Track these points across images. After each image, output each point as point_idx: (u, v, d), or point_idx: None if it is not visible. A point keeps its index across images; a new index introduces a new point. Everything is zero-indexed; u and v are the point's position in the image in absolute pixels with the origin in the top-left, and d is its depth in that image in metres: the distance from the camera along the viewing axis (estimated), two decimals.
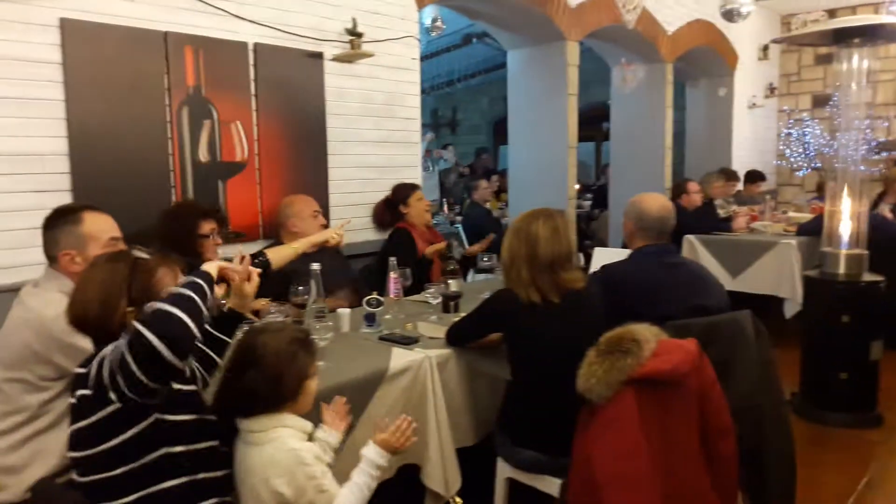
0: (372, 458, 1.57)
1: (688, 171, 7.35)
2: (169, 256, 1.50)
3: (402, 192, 3.65)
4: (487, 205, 5.88)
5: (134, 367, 1.24)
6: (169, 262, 1.48)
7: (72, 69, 2.58)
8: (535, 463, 2.08)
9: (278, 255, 2.42)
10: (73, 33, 2.58)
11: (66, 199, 2.56)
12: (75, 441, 1.38)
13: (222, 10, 3.05)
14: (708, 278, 2.55)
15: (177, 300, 1.31)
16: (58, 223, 1.83)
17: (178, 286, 1.40)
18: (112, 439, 1.33)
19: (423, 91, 4.30)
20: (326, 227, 3.05)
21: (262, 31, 3.21)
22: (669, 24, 6.09)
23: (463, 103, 11.89)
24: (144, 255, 1.51)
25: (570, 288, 2.09)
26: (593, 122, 9.65)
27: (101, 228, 1.85)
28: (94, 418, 1.33)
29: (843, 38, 3.42)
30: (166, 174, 2.90)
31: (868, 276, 3.47)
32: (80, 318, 1.40)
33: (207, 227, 2.53)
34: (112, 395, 1.30)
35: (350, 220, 2.76)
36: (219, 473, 1.45)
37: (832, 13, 7.32)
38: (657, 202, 2.54)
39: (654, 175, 6.35)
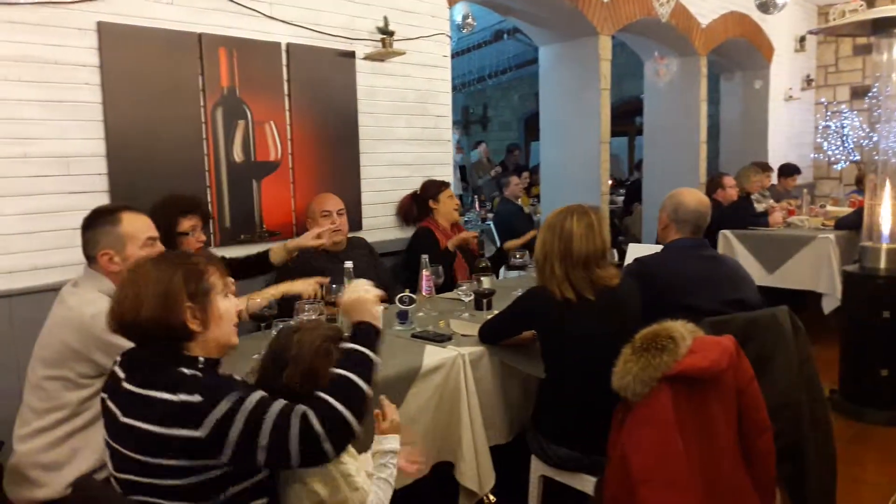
0: (388, 448, 1.58)
1: (723, 165, 7.23)
2: (213, 256, 1.47)
3: (433, 189, 3.65)
4: (519, 201, 5.87)
5: (327, 444, 1.24)
6: (216, 262, 1.45)
7: (109, 72, 2.64)
8: (570, 461, 2.07)
9: (254, 306, 2.25)
10: (110, 36, 2.63)
11: (103, 199, 2.62)
12: (124, 465, 1.28)
13: (255, 10, 3.09)
14: (742, 273, 2.54)
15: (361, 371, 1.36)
16: (96, 223, 1.86)
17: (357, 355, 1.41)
18: (182, 478, 1.24)
19: (453, 88, 4.30)
20: (338, 228, 3.04)
21: (294, 31, 3.25)
22: (703, 17, 5.99)
23: (494, 100, 11.88)
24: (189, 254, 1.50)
25: (604, 285, 2.07)
26: (626, 117, 9.54)
27: (138, 228, 1.88)
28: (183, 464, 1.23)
29: (883, 27, 3.35)
30: (202, 174, 2.95)
31: None
32: (129, 317, 1.29)
33: (187, 224, 2.44)
34: (259, 463, 1.24)
35: (328, 279, 2.58)
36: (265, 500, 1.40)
37: (871, 2, 7.11)
38: (695, 197, 2.54)
39: (689, 169, 6.25)
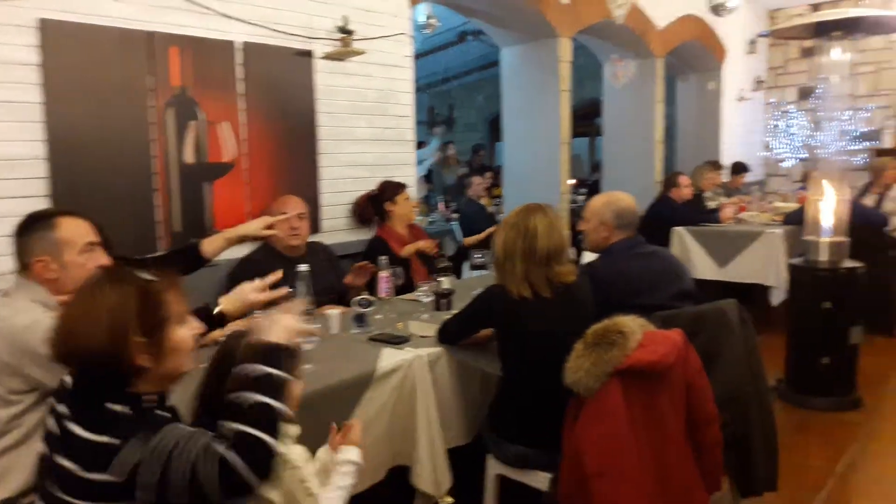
0: (350, 458, 1.58)
1: (679, 164, 7.39)
2: (174, 277, 1.34)
3: (390, 191, 3.62)
4: (482, 201, 5.92)
5: (251, 476, 1.17)
6: (176, 284, 1.32)
7: (51, 71, 2.55)
8: (526, 458, 2.09)
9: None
10: (53, 34, 2.55)
11: (44, 205, 2.50)
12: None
13: (209, 8, 3.04)
14: (679, 263, 2.68)
15: (265, 420, 1.23)
16: (31, 229, 1.76)
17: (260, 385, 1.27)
18: None
19: (418, 89, 4.30)
20: (297, 230, 2.91)
21: (250, 29, 3.21)
22: (659, 20, 6.10)
23: (459, 100, 11.90)
24: (147, 276, 1.33)
25: (562, 282, 2.10)
26: (588, 118, 9.66)
27: (76, 233, 1.78)
28: None
29: (825, 30, 3.48)
30: (150, 177, 2.88)
31: (848, 263, 3.54)
32: (80, 345, 1.18)
33: None
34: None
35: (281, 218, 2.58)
36: None
37: (816, 7, 7.38)
38: (628, 198, 2.64)
39: (645, 169, 6.38)
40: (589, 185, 8.89)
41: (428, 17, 5.58)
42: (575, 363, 1.76)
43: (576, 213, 7.48)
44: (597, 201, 2.65)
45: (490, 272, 3.31)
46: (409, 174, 4.05)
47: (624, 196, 2.64)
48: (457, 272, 4.60)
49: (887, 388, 3.80)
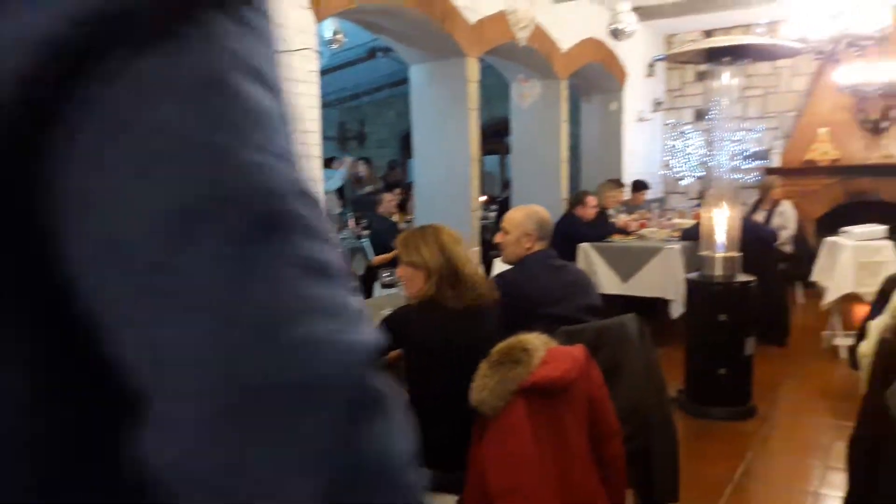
0: None
1: (583, 182, 7.63)
2: None
3: None
4: (394, 217, 5.88)
5: None
6: None
7: None
8: (431, 481, 2.06)
9: None
10: None
11: None
12: None
13: None
14: (587, 277, 2.78)
15: None
16: None
17: None
18: None
19: (328, 104, 4.22)
20: None
21: None
22: (563, 42, 6.30)
23: (370, 116, 11.84)
24: None
25: (473, 300, 2.09)
26: (498, 136, 9.85)
27: None
28: None
29: (716, 56, 3.69)
30: None
31: (741, 277, 3.70)
32: None
33: None
34: None
35: None
36: None
37: (710, 34, 7.88)
38: (545, 210, 2.73)
39: (552, 186, 6.54)
40: (499, 202, 9.05)
41: (335, 33, 5.52)
42: (480, 382, 1.73)
43: (487, 230, 7.62)
44: (517, 213, 2.70)
45: (400, 290, 3.26)
46: (315, 190, 3.94)
47: (541, 208, 2.72)
48: (367, 291, 4.53)
49: (779, 396, 4.01)
